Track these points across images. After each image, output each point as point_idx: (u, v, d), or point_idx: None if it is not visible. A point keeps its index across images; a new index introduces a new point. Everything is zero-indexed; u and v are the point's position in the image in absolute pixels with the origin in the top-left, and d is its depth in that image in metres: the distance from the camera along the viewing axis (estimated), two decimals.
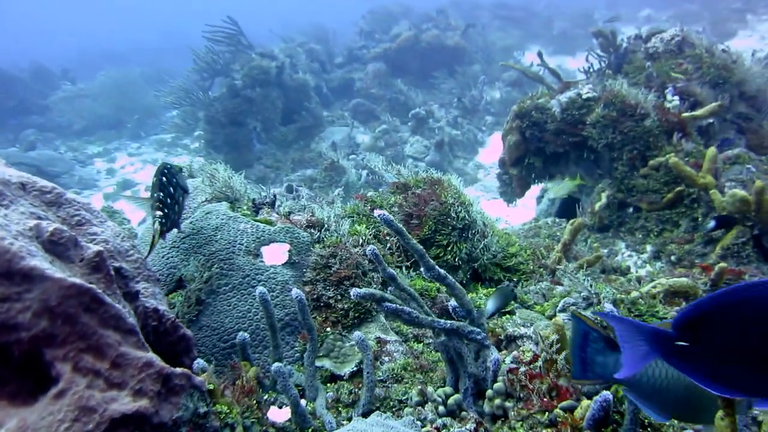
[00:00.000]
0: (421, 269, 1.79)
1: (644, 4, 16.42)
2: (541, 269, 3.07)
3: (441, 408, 1.79)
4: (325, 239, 2.50)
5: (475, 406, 1.79)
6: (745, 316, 0.97)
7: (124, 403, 1.14)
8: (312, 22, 14.99)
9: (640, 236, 3.90)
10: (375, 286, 2.38)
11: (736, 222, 3.23)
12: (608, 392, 1.40)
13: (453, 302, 1.85)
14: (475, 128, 9.77)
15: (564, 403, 1.58)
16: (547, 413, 1.58)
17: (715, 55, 4.79)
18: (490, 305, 2.33)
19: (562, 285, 2.74)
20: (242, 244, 2.38)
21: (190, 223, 2.50)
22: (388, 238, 2.79)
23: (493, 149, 8.95)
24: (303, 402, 1.80)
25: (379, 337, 2.22)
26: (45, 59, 15.23)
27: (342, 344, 2.20)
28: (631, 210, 3.94)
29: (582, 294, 2.40)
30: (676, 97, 4.37)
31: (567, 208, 4.80)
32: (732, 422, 1.10)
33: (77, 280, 1.18)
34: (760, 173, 3.78)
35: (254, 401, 1.67)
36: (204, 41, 9.04)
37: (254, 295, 2.20)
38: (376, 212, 1.70)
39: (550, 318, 2.41)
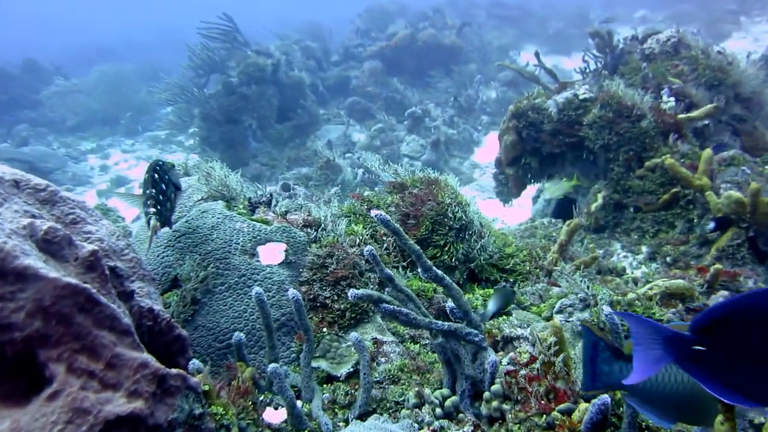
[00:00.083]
0: (418, 270, 1.78)
1: (640, 4, 16.48)
2: (538, 270, 3.07)
3: (438, 410, 1.79)
4: (321, 239, 2.49)
5: (473, 409, 1.78)
6: (766, 322, 0.94)
7: (118, 404, 1.13)
8: (308, 20, 14.97)
9: (636, 237, 3.90)
10: (372, 286, 2.37)
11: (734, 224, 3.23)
12: (606, 396, 1.39)
13: (450, 303, 1.84)
14: (471, 127, 9.77)
15: (562, 406, 1.58)
16: (544, 416, 1.58)
17: (711, 56, 4.80)
18: (491, 307, 2.33)
19: (558, 286, 2.74)
20: (238, 244, 2.36)
21: (186, 222, 2.47)
22: (385, 238, 2.78)
23: (488, 149, 8.96)
24: (299, 403, 1.79)
25: (376, 338, 2.22)
26: (38, 54, 15.11)
27: (338, 345, 2.19)
28: (632, 210, 3.95)
29: (579, 296, 2.39)
30: (672, 99, 4.38)
31: (563, 208, 4.80)
32: (732, 427, 1.09)
33: (72, 280, 1.16)
34: (755, 175, 3.79)
35: (250, 402, 1.65)
36: (199, 38, 8.99)
37: (250, 295, 2.18)
38: (373, 212, 1.68)
39: (546, 319, 2.41)
